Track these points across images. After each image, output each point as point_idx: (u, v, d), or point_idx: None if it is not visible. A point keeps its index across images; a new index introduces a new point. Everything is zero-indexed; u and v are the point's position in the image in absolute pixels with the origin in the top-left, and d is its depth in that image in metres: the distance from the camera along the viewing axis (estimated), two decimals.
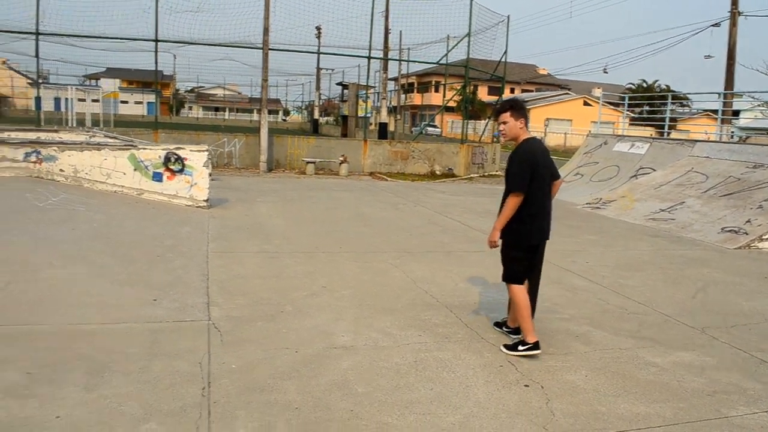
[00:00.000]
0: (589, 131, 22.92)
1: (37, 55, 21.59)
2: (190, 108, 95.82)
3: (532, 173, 4.69)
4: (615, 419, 3.82)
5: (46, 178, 10.71)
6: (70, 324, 4.94)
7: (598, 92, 57.39)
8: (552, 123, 55.59)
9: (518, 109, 4.85)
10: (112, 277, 6.15)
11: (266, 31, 19.54)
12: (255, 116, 77.40)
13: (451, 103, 39.19)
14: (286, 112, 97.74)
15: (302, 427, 3.52)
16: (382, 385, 4.12)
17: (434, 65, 32.42)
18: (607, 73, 77.02)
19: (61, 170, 10.78)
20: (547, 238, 4.97)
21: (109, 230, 8.02)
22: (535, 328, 4.84)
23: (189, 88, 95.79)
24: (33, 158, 10.83)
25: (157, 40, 20.61)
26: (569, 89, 70.65)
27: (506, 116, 4.81)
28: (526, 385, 4.24)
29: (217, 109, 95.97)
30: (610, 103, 43.41)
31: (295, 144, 20.65)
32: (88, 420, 3.49)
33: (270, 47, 19.71)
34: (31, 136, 13.26)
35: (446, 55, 25.99)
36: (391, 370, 4.38)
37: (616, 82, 70.88)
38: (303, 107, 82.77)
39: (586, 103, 59.62)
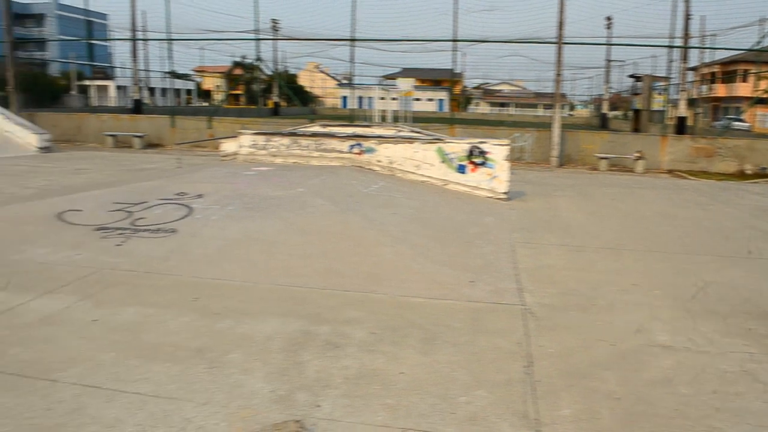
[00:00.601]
0: None
1: (351, 60, 24.44)
2: (477, 104, 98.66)
3: None
4: None
5: (366, 167, 12.09)
6: (401, 295, 5.64)
7: None
8: None
9: None
10: (432, 257, 6.81)
11: (561, 25, 19.37)
12: (538, 111, 76.79)
13: (764, 95, 34.50)
14: (572, 107, 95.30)
15: (626, 418, 3.59)
16: (707, 389, 3.98)
17: (743, 52, 28.96)
18: None
19: (378, 161, 12.09)
20: None
21: (423, 216, 8.82)
22: None
23: (475, 85, 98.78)
24: (356, 150, 12.32)
25: (455, 40, 21.85)
26: None
27: None
28: None
29: (502, 105, 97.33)
30: None
31: (587, 139, 20.18)
32: (426, 379, 4.00)
33: (563, 41, 19.51)
34: (349, 130, 15.00)
35: (761, 40, 23.09)
36: (716, 375, 4.20)
37: None
38: (590, 101, 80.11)
39: None
